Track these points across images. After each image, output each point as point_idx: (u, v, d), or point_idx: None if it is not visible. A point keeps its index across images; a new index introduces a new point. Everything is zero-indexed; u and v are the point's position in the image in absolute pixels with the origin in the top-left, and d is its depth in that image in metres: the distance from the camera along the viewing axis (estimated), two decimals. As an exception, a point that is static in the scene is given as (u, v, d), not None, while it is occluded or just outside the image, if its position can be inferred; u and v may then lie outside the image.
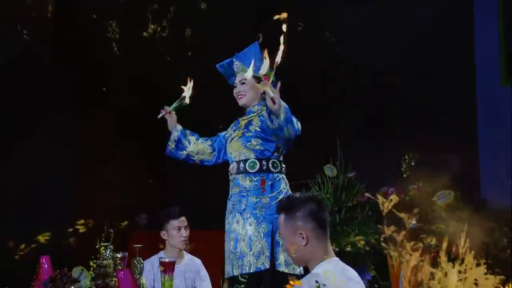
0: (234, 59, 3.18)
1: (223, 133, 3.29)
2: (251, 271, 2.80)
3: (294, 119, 2.84)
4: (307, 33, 6.56)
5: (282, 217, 2.24)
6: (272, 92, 2.65)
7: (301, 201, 2.23)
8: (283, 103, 2.73)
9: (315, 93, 6.55)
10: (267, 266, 2.82)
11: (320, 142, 4.97)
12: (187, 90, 3.17)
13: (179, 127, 3.25)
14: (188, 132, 3.27)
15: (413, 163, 5.78)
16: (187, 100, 3.19)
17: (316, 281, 1.98)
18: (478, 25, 6.70)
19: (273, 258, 2.84)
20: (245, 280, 2.79)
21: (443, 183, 5.12)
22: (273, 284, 2.82)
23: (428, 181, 5.46)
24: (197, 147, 3.24)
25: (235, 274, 2.82)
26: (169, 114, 3.21)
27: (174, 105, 3.23)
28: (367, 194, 4.68)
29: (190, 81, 3.19)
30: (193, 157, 3.26)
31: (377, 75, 6.54)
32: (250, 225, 2.87)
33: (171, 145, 3.24)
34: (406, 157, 5.87)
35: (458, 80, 6.45)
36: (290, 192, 3.01)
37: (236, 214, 2.94)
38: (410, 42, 6.28)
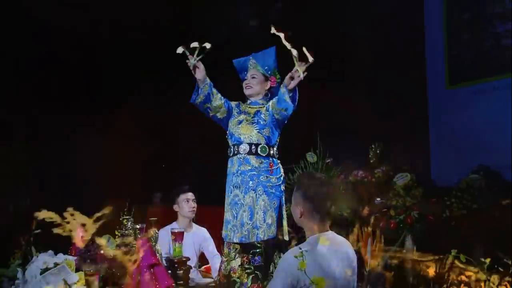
0: (250, 57, 3.05)
1: (234, 102, 3.09)
2: (265, 239, 2.75)
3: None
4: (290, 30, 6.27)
5: (295, 188, 2.17)
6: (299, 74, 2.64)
7: (311, 182, 2.11)
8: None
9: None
10: (275, 234, 2.79)
11: (303, 133, 4.92)
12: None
13: (209, 81, 2.94)
14: (213, 85, 2.99)
15: (378, 151, 5.78)
16: (207, 45, 2.81)
17: (300, 248, 1.94)
18: (428, 36, 6.73)
19: (279, 228, 2.82)
20: (259, 245, 2.76)
21: (401, 167, 5.12)
22: (277, 248, 2.79)
23: (390, 166, 5.47)
24: (216, 102, 2.97)
25: (252, 241, 2.76)
26: (196, 65, 2.87)
27: (197, 54, 2.85)
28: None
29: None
30: (211, 111, 2.99)
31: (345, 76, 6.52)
32: (263, 200, 2.80)
33: (200, 98, 2.93)
34: (373, 146, 5.87)
35: (412, 83, 6.46)
36: (284, 176, 2.96)
37: (249, 190, 2.82)
38: (372, 50, 6.25)
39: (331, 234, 2.11)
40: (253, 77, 3.00)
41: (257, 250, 2.72)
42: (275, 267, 2.70)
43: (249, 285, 2.70)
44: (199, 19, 6.15)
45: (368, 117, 6.10)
